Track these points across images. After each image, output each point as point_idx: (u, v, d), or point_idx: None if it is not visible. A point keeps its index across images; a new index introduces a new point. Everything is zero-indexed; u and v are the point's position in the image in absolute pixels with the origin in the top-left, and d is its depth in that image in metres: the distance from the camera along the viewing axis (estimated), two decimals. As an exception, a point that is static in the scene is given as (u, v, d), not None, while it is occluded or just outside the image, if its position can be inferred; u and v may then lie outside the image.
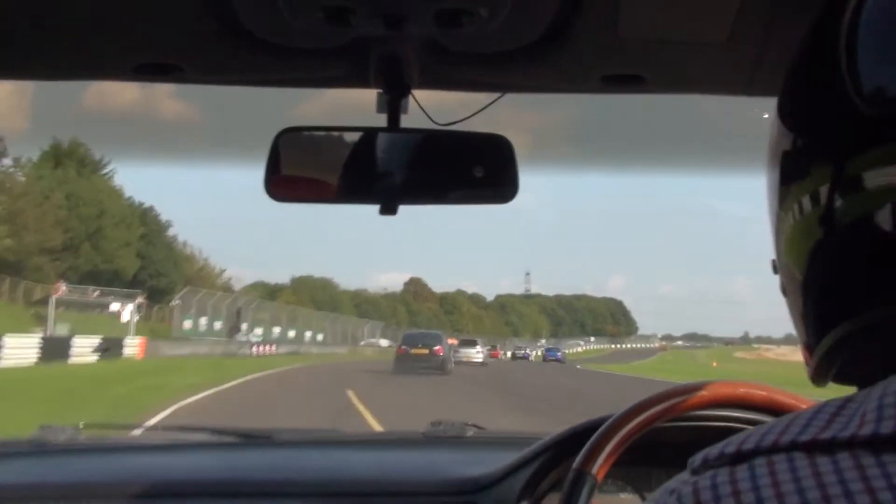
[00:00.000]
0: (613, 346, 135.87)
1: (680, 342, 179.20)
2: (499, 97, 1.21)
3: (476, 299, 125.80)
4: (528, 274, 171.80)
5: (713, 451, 0.44)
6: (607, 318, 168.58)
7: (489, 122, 1.20)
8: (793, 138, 0.50)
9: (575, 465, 1.08)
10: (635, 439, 1.10)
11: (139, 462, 1.67)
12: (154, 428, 2.15)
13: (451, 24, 0.96)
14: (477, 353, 37.96)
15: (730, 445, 0.43)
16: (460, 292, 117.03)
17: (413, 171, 1.19)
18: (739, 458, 0.42)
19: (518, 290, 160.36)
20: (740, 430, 1.17)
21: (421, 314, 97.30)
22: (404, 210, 1.17)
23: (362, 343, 64.10)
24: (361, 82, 1.16)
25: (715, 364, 51.93)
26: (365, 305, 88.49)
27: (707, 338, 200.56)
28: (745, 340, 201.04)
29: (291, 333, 52.53)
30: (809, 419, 0.42)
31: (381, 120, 1.15)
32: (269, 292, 70.24)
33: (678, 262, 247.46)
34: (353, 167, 1.19)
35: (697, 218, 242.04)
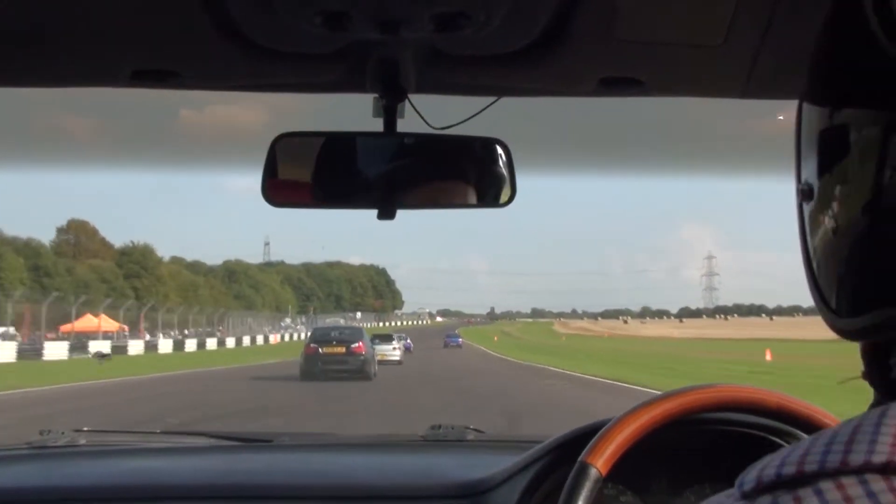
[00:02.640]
0: (380, 323, 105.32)
1: (439, 318, 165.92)
2: (495, 101, 1.21)
3: (196, 267, 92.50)
4: (267, 244, 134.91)
5: (767, 471, 0.39)
6: (368, 290, 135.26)
7: (487, 126, 1.21)
8: (829, 112, 0.47)
9: (581, 457, 1.06)
10: (639, 439, 1.08)
11: (139, 466, 1.66)
12: (154, 432, 2.12)
13: (447, 27, 0.96)
14: (393, 350, 30.93)
15: (786, 466, 0.38)
16: (176, 258, 77.44)
17: (410, 175, 1.20)
18: (801, 481, 0.37)
19: (257, 261, 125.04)
20: (740, 434, 1.25)
21: (67, 276, 54.01)
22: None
23: None
24: (358, 87, 1.17)
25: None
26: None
27: (460, 314, 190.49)
28: (493, 317, 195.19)
29: None
30: (874, 434, 0.37)
31: (378, 125, 1.16)
32: None
33: (418, 239, 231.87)
34: (350, 172, 1.19)
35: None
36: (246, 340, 60.47)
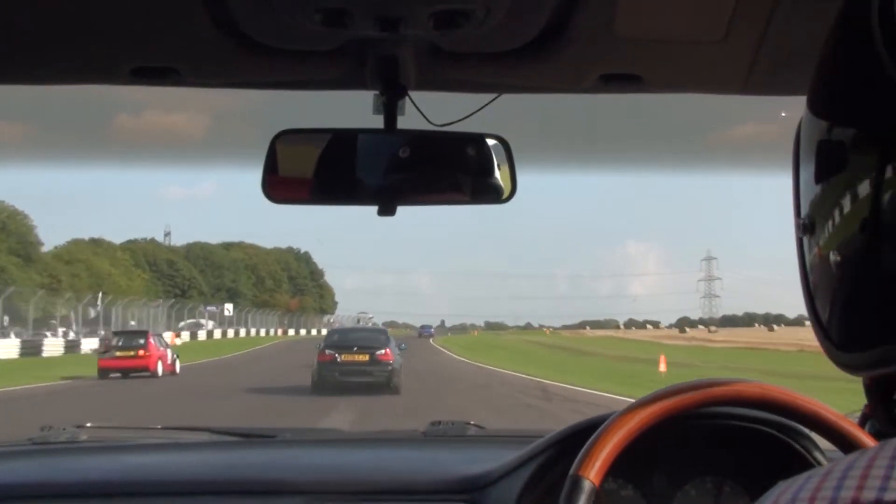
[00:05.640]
0: (293, 331, 64.05)
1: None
2: (495, 98, 1.21)
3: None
4: (167, 234, 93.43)
5: (823, 493, 0.37)
6: (283, 282, 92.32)
7: (487, 122, 1.22)
8: (828, 127, 0.46)
9: (571, 471, 1.03)
10: (630, 442, 1.06)
11: (140, 461, 1.68)
12: (155, 427, 2.11)
13: (447, 25, 0.96)
14: None
15: (842, 489, 0.37)
16: None
17: (410, 172, 1.20)
18: None
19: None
20: (741, 428, 1.26)
21: None
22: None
23: None
24: (358, 84, 1.17)
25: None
26: None
27: (409, 326, 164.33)
28: (444, 329, 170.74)
29: None
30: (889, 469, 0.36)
31: (378, 122, 1.17)
32: None
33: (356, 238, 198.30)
34: (350, 169, 1.20)
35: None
36: None
